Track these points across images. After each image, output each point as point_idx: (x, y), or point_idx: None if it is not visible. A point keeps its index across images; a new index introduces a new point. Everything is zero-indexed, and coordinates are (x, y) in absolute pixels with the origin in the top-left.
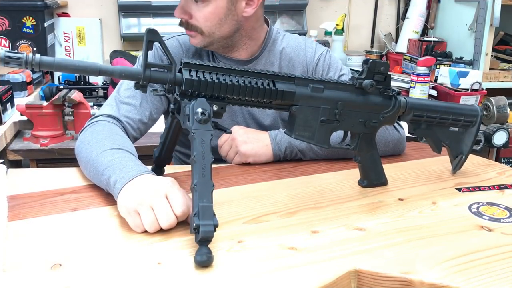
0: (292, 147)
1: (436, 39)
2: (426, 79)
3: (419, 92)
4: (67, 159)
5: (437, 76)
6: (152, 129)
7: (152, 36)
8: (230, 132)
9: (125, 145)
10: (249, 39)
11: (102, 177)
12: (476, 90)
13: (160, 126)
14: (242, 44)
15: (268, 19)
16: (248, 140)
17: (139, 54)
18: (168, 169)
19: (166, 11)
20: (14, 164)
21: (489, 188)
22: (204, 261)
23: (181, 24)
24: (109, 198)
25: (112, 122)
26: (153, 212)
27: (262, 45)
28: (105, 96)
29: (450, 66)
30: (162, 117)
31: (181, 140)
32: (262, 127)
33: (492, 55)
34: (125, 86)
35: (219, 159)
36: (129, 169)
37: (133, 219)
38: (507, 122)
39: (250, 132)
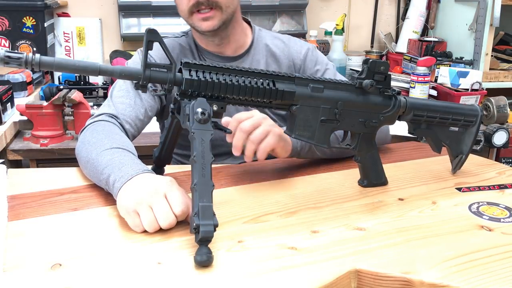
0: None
1: (436, 39)
2: (426, 79)
3: (419, 92)
4: (67, 159)
5: (437, 76)
6: (152, 129)
7: (152, 36)
8: (230, 132)
9: (124, 144)
10: (234, 31)
11: (102, 176)
12: (476, 90)
13: (157, 126)
14: (231, 38)
15: (249, 20)
16: (275, 124)
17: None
18: (168, 169)
19: (166, 11)
20: (14, 164)
21: (489, 188)
22: (204, 261)
23: (197, 5)
24: (109, 198)
25: (111, 122)
26: (152, 212)
27: (249, 43)
28: (105, 96)
29: (450, 66)
30: (155, 119)
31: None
32: None
33: (492, 55)
34: (118, 88)
35: (220, 154)
36: (128, 168)
37: (132, 219)
38: (507, 122)
39: None
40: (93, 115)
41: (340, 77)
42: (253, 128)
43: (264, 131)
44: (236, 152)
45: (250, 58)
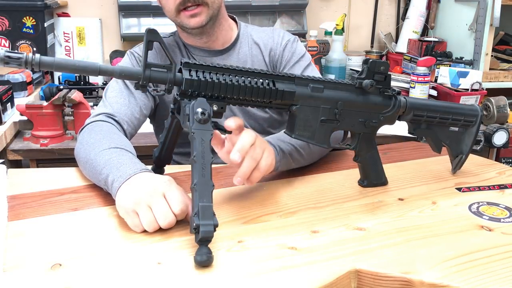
0: (282, 150)
1: (436, 39)
2: (426, 79)
3: (419, 92)
4: (67, 159)
5: (437, 76)
6: (152, 129)
7: (152, 36)
8: (230, 132)
9: (122, 143)
10: (221, 27)
11: (100, 177)
12: (476, 90)
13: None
14: (218, 34)
15: (235, 16)
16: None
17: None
18: (167, 169)
19: None
20: (14, 164)
21: (489, 188)
22: (204, 261)
23: (184, 3)
24: (109, 198)
25: (108, 122)
26: (151, 212)
27: (235, 37)
28: None
29: (450, 66)
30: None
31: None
32: (257, 121)
33: (492, 55)
34: (111, 89)
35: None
36: (126, 168)
37: (131, 219)
38: (507, 122)
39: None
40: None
41: (311, 71)
42: (249, 143)
43: (261, 148)
44: (239, 181)
45: (237, 51)
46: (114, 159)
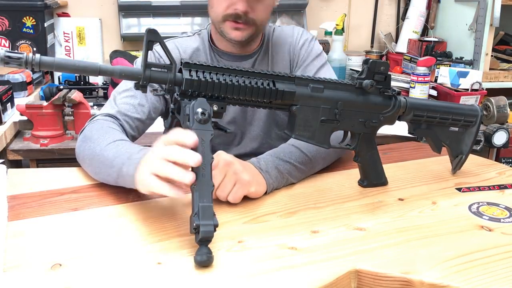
0: (279, 171)
1: (436, 39)
2: (426, 79)
3: (419, 92)
4: (67, 159)
5: (437, 76)
6: (152, 129)
7: (152, 36)
8: (231, 132)
9: (124, 138)
10: (257, 39)
11: (112, 169)
12: (476, 90)
13: (160, 126)
14: (252, 43)
15: None
16: (244, 168)
17: (139, 54)
18: None
19: (166, 11)
20: (14, 164)
21: (489, 188)
22: (204, 261)
23: (235, 17)
24: (109, 198)
25: (109, 120)
26: (170, 162)
27: (262, 39)
28: (105, 96)
29: (450, 66)
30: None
31: None
32: (257, 119)
33: (492, 55)
34: (123, 87)
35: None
36: (136, 156)
37: (156, 184)
38: (507, 122)
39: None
40: (93, 115)
41: (326, 71)
42: (220, 181)
43: (231, 181)
44: None
45: (262, 53)
46: (122, 150)
